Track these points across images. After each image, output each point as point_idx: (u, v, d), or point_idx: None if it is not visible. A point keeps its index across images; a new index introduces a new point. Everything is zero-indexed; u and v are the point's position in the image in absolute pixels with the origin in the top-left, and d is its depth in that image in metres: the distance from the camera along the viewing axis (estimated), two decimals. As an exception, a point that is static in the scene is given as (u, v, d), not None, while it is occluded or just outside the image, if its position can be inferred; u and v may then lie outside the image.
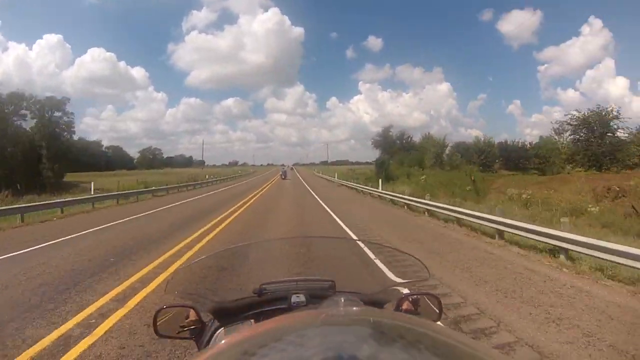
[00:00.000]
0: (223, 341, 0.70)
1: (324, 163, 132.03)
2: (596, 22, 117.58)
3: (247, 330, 0.68)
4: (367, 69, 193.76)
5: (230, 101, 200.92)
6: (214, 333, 1.45)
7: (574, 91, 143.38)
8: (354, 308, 0.82)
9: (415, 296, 1.57)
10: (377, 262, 6.94)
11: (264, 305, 1.51)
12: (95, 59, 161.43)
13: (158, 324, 1.46)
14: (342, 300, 0.98)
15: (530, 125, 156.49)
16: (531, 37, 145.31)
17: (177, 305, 1.53)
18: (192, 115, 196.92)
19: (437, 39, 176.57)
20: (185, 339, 1.52)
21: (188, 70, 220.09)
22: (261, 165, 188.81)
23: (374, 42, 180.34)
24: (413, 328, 0.68)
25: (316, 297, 1.46)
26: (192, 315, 1.47)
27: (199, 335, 1.47)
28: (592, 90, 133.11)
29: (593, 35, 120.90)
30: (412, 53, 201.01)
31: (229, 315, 1.50)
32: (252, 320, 1.46)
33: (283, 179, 51.24)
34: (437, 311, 1.58)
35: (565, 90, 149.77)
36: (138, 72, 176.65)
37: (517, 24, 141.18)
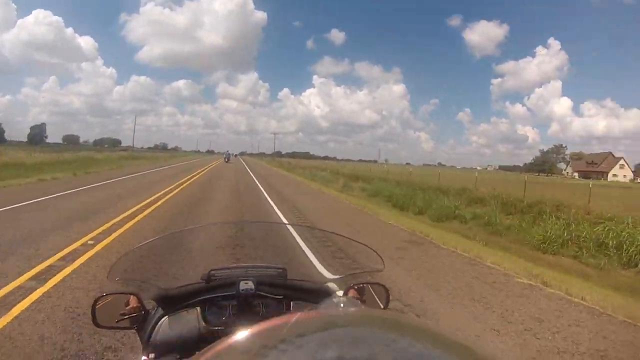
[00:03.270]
0: (222, 341, 0.66)
1: (277, 154, 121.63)
2: (555, 44, 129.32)
3: (245, 330, 0.63)
4: (325, 61, 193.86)
5: (181, 83, 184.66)
6: (158, 321, 1.40)
7: (522, 106, 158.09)
8: (354, 309, 0.81)
9: (361, 285, 1.59)
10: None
11: (210, 292, 1.48)
12: (40, 22, 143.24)
13: (97, 312, 1.39)
14: (342, 302, 1.01)
15: (477, 134, 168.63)
16: (494, 49, 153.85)
17: (117, 292, 1.45)
18: (141, 94, 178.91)
19: (401, 39, 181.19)
20: (125, 329, 1.46)
21: (140, 44, 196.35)
22: (197, 151, 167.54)
23: (337, 36, 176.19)
24: (414, 329, 0.67)
25: (265, 284, 1.47)
26: (133, 302, 1.41)
27: (142, 324, 1.42)
28: (539, 107, 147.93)
29: (550, 56, 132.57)
30: (373, 51, 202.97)
31: (173, 302, 1.46)
32: (198, 308, 1.44)
33: (226, 162, 55.51)
34: (384, 300, 1.59)
35: (514, 105, 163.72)
36: (86, 42, 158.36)
37: (483, 34, 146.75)
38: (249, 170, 37.84)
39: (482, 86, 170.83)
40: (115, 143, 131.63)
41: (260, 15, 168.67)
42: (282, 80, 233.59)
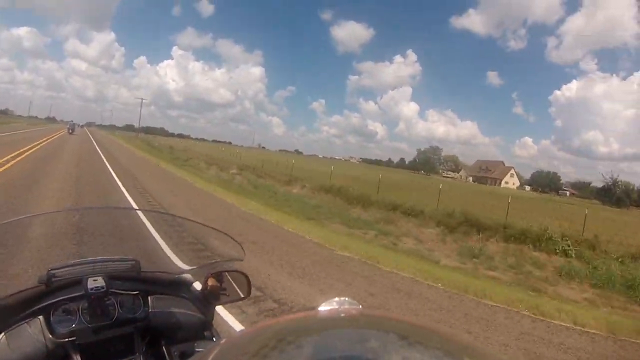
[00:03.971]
0: (223, 341, 0.66)
1: (129, 128, 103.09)
2: (412, 55, 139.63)
3: (245, 331, 0.66)
4: (188, 32, 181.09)
5: (23, 30, 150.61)
6: None
7: (374, 104, 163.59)
8: (352, 309, 0.83)
9: (220, 273, 1.53)
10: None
11: (52, 295, 1.30)
12: None
13: None
14: (340, 301, 0.99)
15: (329, 124, 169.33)
16: (357, 48, 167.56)
17: None
18: None
19: (269, 23, 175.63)
20: None
21: None
22: (34, 117, 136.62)
23: (206, 7, 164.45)
24: (412, 329, 0.67)
25: (117, 278, 1.36)
26: None
27: None
28: (389, 107, 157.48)
29: (406, 65, 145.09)
30: (239, 29, 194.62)
31: (7, 315, 1.22)
32: (41, 317, 1.24)
33: (70, 133, 47.00)
34: (245, 289, 1.55)
35: (367, 101, 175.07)
36: None
37: (350, 33, 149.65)
38: (110, 170, 16.92)
39: (339, 80, 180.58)
40: None
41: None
42: (140, 46, 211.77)
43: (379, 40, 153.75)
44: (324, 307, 0.86)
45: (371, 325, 0.67)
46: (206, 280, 1.48)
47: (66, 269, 1.34)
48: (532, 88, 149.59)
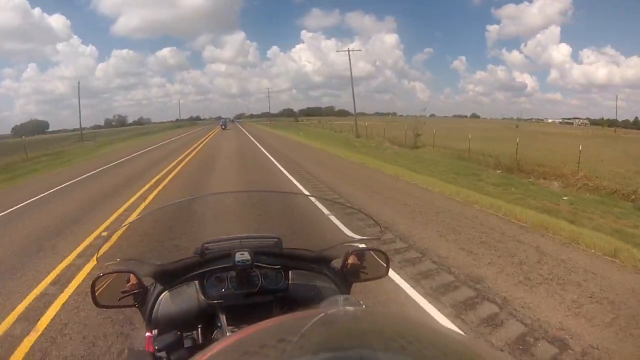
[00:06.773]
0: (223, 340, 0.71)
1: (266, 115, 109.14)
2: None
3: (245, 330, 0.67)
4: (313, 13, 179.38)
5: (165, 51, 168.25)
6: (158, 297, 1.43)
7: (519, 53, 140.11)
8: (354, 308, 0.82)
9: (360, 251, 1.58)
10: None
11: (206, 265, 1.48)
12: (3, 7, 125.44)
13: (97, 293, 1.40)
14: (342, 300, 1.00)
15: (474, 82, 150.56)
16: None
17: (115, 272, 1.46)
18: (125, 68, 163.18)
19: None
20: (127, 307, 1.49)
21: (114, 16, 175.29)
22: (175, 121, 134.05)
23: None
24: (414, 328, 0.68)
25: (262, 254, 1.48)
26: (133, 280, 1.43)
27: (142, 300, 1.45)
28: (537, 54, 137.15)
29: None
30: None
31: (171, 277, 1.47)
32: (196, 282, 1.46)
33: (223, 129, 52.64)
34: (384, 266, 1.58)
35: (510, 52, 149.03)
36: (57, 21, 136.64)
37: None
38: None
39: (478, 33, 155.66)
40: (40, 128, 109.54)
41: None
42: (269, 37, 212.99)
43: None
44: (325, 305, 0.93)
45: (373, 325, 0.66)
46: (346, 258, 1.53)
47: (217, 243, 1.53)
48: None
